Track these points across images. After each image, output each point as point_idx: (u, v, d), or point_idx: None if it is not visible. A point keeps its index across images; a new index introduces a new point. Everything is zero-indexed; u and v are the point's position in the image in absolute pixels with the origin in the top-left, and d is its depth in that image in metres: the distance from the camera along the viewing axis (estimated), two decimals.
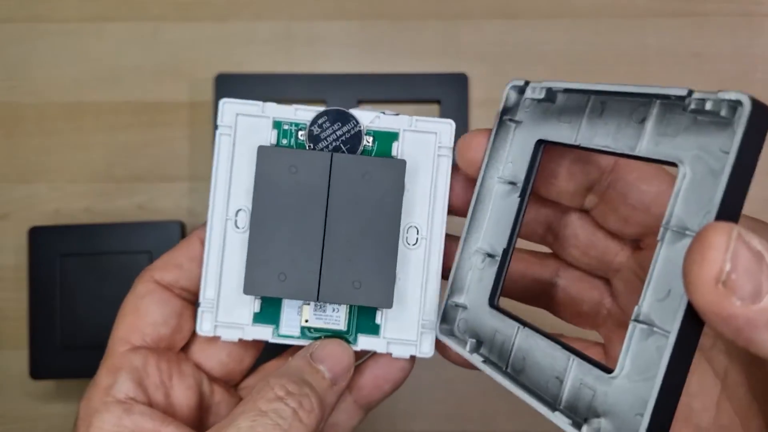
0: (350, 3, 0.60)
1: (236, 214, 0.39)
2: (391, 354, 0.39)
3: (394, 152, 0.39)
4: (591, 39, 0.61)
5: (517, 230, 0.35)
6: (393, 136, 0.39)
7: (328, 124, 0.38)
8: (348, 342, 0.38)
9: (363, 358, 0.40)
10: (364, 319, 0.39)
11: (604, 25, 0.61)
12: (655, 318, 0.27)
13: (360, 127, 0.38)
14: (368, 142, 0.39)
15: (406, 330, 0.39)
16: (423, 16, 0.60)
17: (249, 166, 0.38)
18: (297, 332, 0.39)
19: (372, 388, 0.40)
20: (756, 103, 0.24)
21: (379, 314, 0.39)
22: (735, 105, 0.25)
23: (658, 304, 0.27)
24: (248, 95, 0.57)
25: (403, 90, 0.59)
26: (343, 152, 0.38)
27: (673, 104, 0.28)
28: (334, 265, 0.37)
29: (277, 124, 0.39)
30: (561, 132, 0.33)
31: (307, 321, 0.39)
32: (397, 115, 0.39)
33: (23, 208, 0.60)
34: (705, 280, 0.23)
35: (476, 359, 0.34)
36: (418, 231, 0.39)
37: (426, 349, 0.38)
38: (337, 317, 0.39)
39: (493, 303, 0.35)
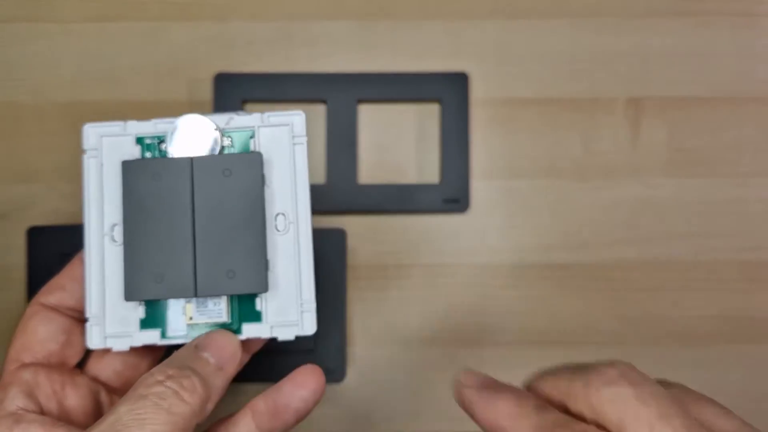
0: (350, 2, 0.61)
1: (112, 229, 0.40)
2: (276, 338, 0.40)
3: (252, 148, 0.41)
4: (591, 39, 0.61)
5: None
6: (249, 134, 0.41)
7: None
8: (234, 332, 0.39)
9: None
10: (246, 308, 0.40)
11: (605, 25, 0.61)
12: None
13: (216, 130, 0.40)
14: (227, 143, 0.41)
15: (287, 312, 0.40)
16: (423, 15, 0.61)
17: (118, 182, 0.40)
18: (184, 332, 0.40)
19: (277, 414, 0.39)
20: None
21: (259, 301, 0.40)
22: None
23: None
24: (248, 95, 0.58)
25: (404, 89, 0.59)
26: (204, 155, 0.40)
27: None
28: (207, 259, 0.39)
29: (139, 140, 0.41)
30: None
31: (191, 318, 0.40)
32: (251, 114, 0.41)
33: (22, 208, 0.61)
34: None
35: None
36: (285, 217, 0.40)
37: (308, 328, 0.40)
38: (219, 310, 0.40)
39: None
